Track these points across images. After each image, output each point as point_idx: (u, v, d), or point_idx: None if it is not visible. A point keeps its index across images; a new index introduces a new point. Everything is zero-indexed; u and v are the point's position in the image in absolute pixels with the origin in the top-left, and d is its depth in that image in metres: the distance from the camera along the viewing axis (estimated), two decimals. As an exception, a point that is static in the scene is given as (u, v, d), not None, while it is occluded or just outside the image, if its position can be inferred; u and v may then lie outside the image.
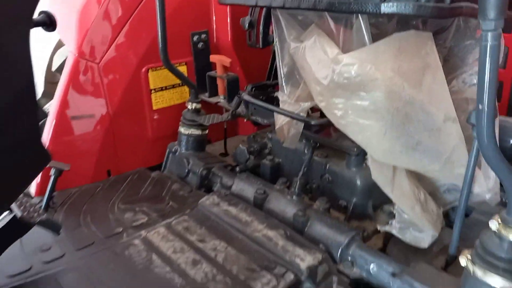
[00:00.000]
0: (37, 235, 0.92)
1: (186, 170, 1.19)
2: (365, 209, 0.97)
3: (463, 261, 0.65)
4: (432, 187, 0.92)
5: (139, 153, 1.27)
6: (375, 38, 0.76)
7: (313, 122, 0.87)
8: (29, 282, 0.79)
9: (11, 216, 0.67)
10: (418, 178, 0.90)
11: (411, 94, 0.70)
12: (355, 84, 0.70)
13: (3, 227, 0.67)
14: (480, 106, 0.52)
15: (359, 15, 0.71)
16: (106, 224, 0.98)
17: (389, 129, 0.72)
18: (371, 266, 0.80)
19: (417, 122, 0.72)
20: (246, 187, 1.05)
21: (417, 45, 0.72)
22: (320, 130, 1.02)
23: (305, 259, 0.81)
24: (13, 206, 0.69)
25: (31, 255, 0.86)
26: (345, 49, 0.74)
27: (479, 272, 0.62)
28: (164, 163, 1.26)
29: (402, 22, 0.74)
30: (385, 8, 0.64)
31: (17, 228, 0.69)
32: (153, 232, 0.92)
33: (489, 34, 0.49)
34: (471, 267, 0.63)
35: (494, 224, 0.62)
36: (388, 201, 0.93)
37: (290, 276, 0.78)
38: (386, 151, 0.76)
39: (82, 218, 1.00)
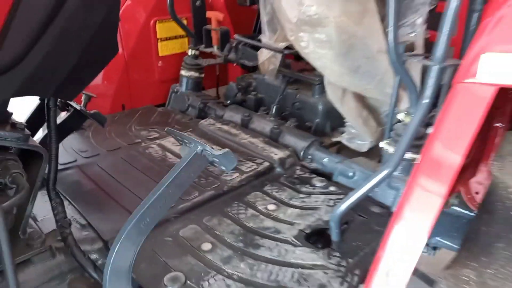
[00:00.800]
0: (76, 141, 1.21)
1: (187, 105, 1.47)
2: (325, 128, 1.27)
3: (381, 144, 0.95)
4: (376, 111, 1.22)
5: (148, 92, 1.54)
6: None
7: (285, 52, 1.16)
8: (75, 166, 1.08)
9: (73, 109, 0.94)
10: (365, 104, 1.20)
11: (354, 30, 0.99)
12: (314, 21, 0.98)
13: (69, 116, 0.94)
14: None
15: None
16: (127, 137, 1.26)
17: (338, 56, 1.01)
18: (324, 159, 1.10)
19: (358, 51, 1.01)
20: (234, 114, 1.33)
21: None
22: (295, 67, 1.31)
23: (277, 154, 1.11)
24: (73, 103, 0.95)
25: (74, 153, 1.15)
26: None
27: (390, 148, 0.92)
28: (168, 101, 1.54)
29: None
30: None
31: (78, 118, 0.95)
32: (165, 140, 1.21)
33: None
34: (385, 145, 0.93)
35: (401, 116, 0.92)
36: (342, 124, 1.23)
37: (266, 164, 1.08)
38: (336, 73, 1.05)
39: (107, 134, 1.28)
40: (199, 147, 0.66)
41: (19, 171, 0.66)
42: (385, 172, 0.75)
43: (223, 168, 0.67)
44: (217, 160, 0.66)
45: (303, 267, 0.75)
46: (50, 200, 0.82)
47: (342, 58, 1.02)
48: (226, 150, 0.65)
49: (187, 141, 0.69)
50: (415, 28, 1.03)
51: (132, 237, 0.63)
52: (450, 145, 0.61)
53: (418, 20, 1.04)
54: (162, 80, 1.56)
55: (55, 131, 0.81)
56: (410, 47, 1.00)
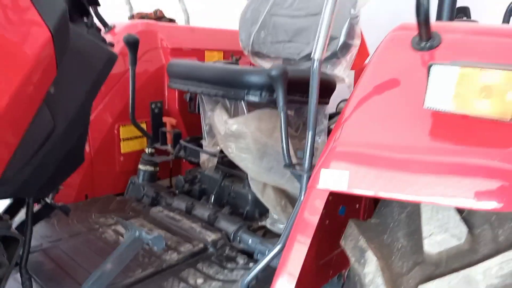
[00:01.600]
0: (42, 228, 1.42)
1: (142, 194, 1.73)
2: (254, 214, 1.55)
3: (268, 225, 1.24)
4: (293, 199, 1.52)
5: (109, 183, 1.80)
6: (251, 109, 1.40)
7: (217, 155, 1.49)
8: (40, 250, 1.28)
9: (45, 202, 1.18)
10: (283, 193, 1.50)
11: (266, 141, 1.33)
12: (236, 135, 1.32)
13: (41, 208, 1.18)
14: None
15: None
16: (87, 223, 1.49)
17: (255, 159, 1.34)
18: (249, 241, 1.36)
19: (270, 156, 1.34)
20: (181, 203, 1.60)
21: (270, 115, 1.36)
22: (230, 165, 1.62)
23: (211, 236, 1.36)
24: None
25: (40, 238, 1.35)
26: (233, 116, 1.37)
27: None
28: (126, 190, 1.80)
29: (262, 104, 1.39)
30: (248, 97, 1.28)
31: (48, 209, 1.19)
32: (119, 226, 1.45)
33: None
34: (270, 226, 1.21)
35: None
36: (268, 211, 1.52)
37: (201, 245, 1.33)
38: (255, 172, 1.36)
39: (70, 221, 1.50)
40: (137, 232, 0.92)
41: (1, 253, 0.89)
42: (277, 248, 1.02)
43: (155, 248, 0.92)
44: (150, 242, 0.92)
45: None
46: (21, 276, 1.03)
47: (259, 161, 1.35)
48: (156, 234, 0.91)
49: (129, 228, 0.95)
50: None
51: None
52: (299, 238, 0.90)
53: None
54: (122, 172, 1.83)
55: (31, 220, 1.05)
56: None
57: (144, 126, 1.82)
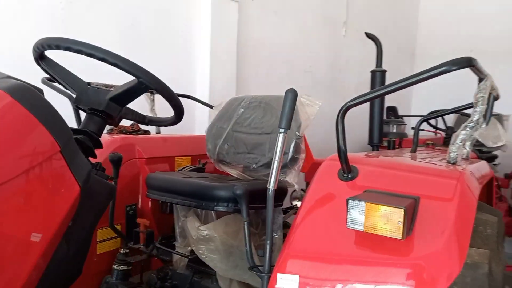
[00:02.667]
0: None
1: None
2: (222, 307, 1.75)
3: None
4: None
5: (83, 284, 1.92)
6: (219, 215, 1.68)
7: (190, 257, 1.71)
8: None
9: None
10: (247, 285, 1.73)
11: (232, 242, 1.60)
12: (206, 239, 1.58)
13: None
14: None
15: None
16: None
17: (223, 259, 1.59)
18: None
19: (235, 256, 1.60)
20: (154, 299, 1.77)
21: (235, 219, 1.64)
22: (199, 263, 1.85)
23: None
24: None
25: None
26: (204, 221, 1.64)
27: None
28: (100, 290, 1.93)
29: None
30: (217, 208, 1.57)
31: None
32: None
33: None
34: None
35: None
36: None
37: None
38: (223, 270, 1.60)
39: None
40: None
41: None
42: None
43: None
44: None
45: None
46: None
47: (226, 260, 1.60)
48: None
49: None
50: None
51: None
52: None
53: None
54: (96, 273, 1.98)
55: None
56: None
57: (119, 227, 2.02)
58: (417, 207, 1.11)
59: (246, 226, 1.41)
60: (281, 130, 1.26)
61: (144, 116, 1.48)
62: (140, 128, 2.31)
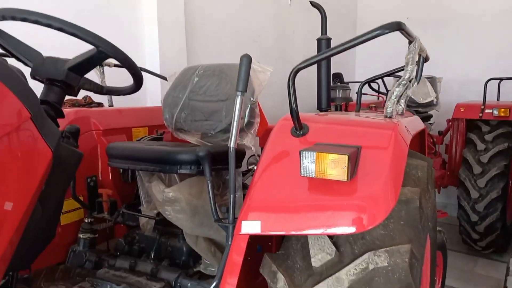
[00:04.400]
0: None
1: (84, 260, 1.93)
2: (189, 263, 1.88)
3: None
4: (222, 245, 1.89)
5: (50, 254, 1.96)
6: (182, 178, 1.78)
7: (157, 218, 1.81)
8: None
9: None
10: (212, 242, 1.87)
11: (196, 202, 1.71)
12: (172, 200, 1.68)
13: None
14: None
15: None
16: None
17: (189, 218, 1.70)
18: (188, 284, 1.69)
19: (200, 214, 1.72)
20: (124, 262, 1.85)
21: (198, 181, 1.75)
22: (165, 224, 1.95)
23: (156, 286, 1.66)
24: None
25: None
26: (168, 185, 1.74)
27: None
28: (67, 259, 1.97)
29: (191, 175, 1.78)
30: (181, 171, 1.66)
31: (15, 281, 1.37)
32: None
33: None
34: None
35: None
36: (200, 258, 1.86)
37: (148, 293, 1.61)
38: (189, 228, 1.72)
39: None
40: (108, 286, 1.21)
41: None
42: (213, 284, 1.39)
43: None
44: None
45: None
46: None
47: (192, 218, 1.72)
48: (124, 285, 1.21)
49: (99, 284, 1.23)
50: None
51: None
52: (230, 273, 1.29)
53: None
54: (61, 244, 2.01)
55: None
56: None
57: (81, 198, 2.06)
58: (359, 155, 1.29)
59: (209, 184, 1.52)
60: (238, 93, 1.37)
61: (102, 87, 1.51)
62: (93, 101, 2.30)
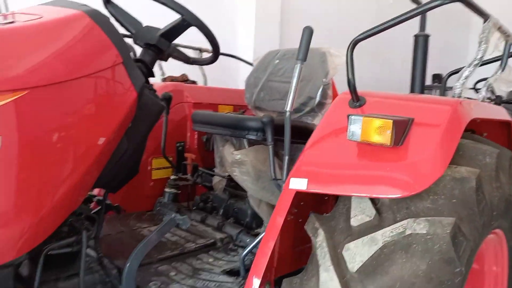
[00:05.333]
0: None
1: (166, 210, 2.27)
2: (252, 225, 2.07)
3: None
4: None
5: (141, 202, 2.34)
6: (250, 145, 1.97)
7: (225, 176, 2.04)
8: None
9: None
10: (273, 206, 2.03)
11: (261, 167, 1.89)
12: (240, 162, 1.89)
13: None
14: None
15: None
16: (128, 226, 2.01)
17: (253, 180, 1.89)
18: (247, 240, 1.87)
19: (264, 178, 1.89)
20: (197, 215, 2.13)
21: (264, 149, 1.93)
22: (234, 188, 2.17)
23: (219, 236, 1.88)
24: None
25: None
26: (237, 149, 1.95)
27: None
28: (154, 208, 2.33)
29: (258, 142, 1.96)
30: (248, 136, 1.86)
31: (107, 207, 1.72)
32: (153, 227, 1.97)
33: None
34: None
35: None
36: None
37: (212, 240, 1.84)
38: (253, 190, 1.91)
39: (114, 224, 2.02)
40: (172, 215, 1.46)
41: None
42: (262, 234, 1.54)
43: (183, 226, 1.45)
44: (180, 222, 1.45)
45: (223, 281, 1.48)
46: (96, 247, 1.53)
47: (255, 182, 1.90)
48: (184, 216, 1.44)
49: (166, 213, 1.49)
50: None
51: (133, 262, 1.37)
52: (273, 226, 1.43)
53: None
54: (152, 195, 2.38)
55: (104, 207, 1.57)
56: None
57: (170, 159, 2.40)
58: (410, 125, 1.32)
59: (270, 149, 1.69)
60: (298, 61, 1.50)
61: (189, 57, 1.78)
62: (188, 79, 2.65)
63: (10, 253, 1.06)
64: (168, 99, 2.11)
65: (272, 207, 1.98)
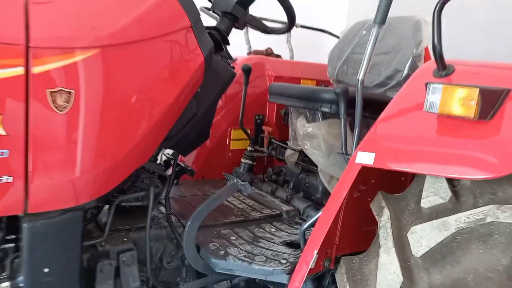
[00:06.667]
0: (173, 189, 2.09)
1: (242, 179, 2.32)
2: (322, 201, 2.00)
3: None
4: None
5: (219, 170, 2.43)
6: (324, 118, 1.89)
7: (296, 149, 1.99)
8: (172, 198, 1.93)
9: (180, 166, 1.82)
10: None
11: (333, 141, 1.80)
12: (311, 135, 1.82)
13: (178, 169, 1.81)
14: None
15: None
16: (203, 190, 2.11)
17: (324, 155, 1.81)
18: (314, 215, 1.81)
19: (335, 153, 1.80)
20: (268, 186, 2.14)
21: (338, 124, 1.83)
22: (307, 163, 2.12)
23: (286, 208, 1.86)
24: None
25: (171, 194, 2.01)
26: (310, 122, 1.88)
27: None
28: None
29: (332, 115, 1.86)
30: (321, 109, 1.78)
31: (181, 170, 1.83)
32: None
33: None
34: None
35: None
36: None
37: (277, 212, 1.83)
38: (324, 165, 1.83)
39: (191, 188, 2.15)
40: (235, 180, 1.48)
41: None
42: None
43: (245, 192, 1.46)
44: (241, 188, 1.46)
45: (280, 251, 1.46)
46: (166, 205, 1.63)
47: (327, 156, 1.82)
48: (246, 183, 1.45)
49: (229, 178, 1.52)
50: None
51: (195, 221, 1.42)
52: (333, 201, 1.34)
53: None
54: (229, 164, 2.46)
55: (175, 167, 1.66)
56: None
57: (248, 131, 2.44)
58: (504, 97, 1.11)
59: (343, 121, 1.59)
60: (375, 25, 1.37)
61: (266, 26, 1.75)
62: (273, 52, 2.63)
63: (84, 196, 1.19)
64: (247, 70, 2.13)
65: (344, 184, 1.88)
